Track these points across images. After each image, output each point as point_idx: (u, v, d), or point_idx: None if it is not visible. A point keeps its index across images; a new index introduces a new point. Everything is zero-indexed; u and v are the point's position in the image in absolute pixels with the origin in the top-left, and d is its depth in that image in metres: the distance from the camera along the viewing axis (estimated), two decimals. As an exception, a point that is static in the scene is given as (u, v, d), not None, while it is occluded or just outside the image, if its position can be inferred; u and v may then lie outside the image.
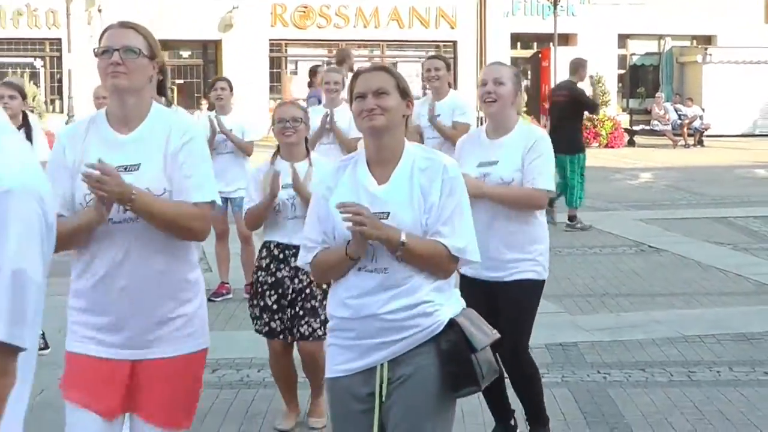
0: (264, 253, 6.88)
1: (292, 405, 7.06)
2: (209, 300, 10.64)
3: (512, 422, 6.66)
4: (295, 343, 6.88)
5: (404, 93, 4.28)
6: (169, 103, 4.50)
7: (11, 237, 2.52)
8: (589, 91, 16.35)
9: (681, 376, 8.13)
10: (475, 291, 5.89)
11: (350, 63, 14.25)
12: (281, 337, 6.82)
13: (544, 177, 6.12)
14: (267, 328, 6.82)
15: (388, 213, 4.17)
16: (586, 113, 16.51)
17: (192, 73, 38.73)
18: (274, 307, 6.78)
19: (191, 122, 4.48)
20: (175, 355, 4.32)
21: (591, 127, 33.38)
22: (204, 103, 32.57)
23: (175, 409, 4.37)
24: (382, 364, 4.21)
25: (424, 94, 10.13)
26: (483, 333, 4.27)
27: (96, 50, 4.33)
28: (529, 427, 6.53)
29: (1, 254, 2.51)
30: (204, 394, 7.49)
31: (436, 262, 4.19)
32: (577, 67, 16.05)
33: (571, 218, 15.80)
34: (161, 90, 4.47)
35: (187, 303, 4.37)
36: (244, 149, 10.99)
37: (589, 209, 17.21)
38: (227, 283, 10.97)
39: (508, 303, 6.18)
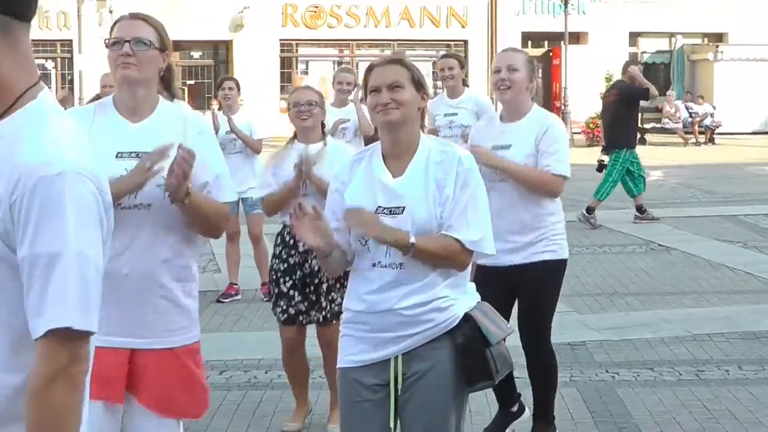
0: (278, 240, 6.90)
1: (302, 401, 7.04)
2: (218, 301, 10.73)
3: (515, 408, 6.67)
4: (313, 333, 6.89)
5: (419, 85, 4.27)
6: (172, 97, 4.50)
7: (70, 220, 2.49)
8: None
9: (690, 375, 8.12)
10: (493, 279, 5.92)
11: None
12: (301, 321, 6.81)
13: (561, 163, 6.14)
14: (285, 315, 6.82)
15: (404, 207, 4.17)
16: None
17: (203, 74, 38.78)
18: (291, 293, 6.78)
19: (201, 118, 4.55)
20: (173, 346, 4.34)
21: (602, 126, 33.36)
22: (215, 104, 32.67)
23: (173, 399, 4.36)
24: (396, 357, 4.23)
25: (436, 93, 10.13)
26: (498, 327, 4.29)
27: (107, 41, 4.35)
28: (533, 424, 6.53)
29: (63, 238, 2.48)
30: (212, 395, 7.52)
31: (449, 258, 4.19)
32: (626, 66, 16.28)
33: (589, 210, 16.00)
34: (166, 85, 4.48)
35: (188, 294, 4.39)
36: (252, 147, 11.00)
37: (600, 207, 17.16)
38: (236, 284, 10.98)
39: (527, 286, 6.20)
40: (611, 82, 16.93)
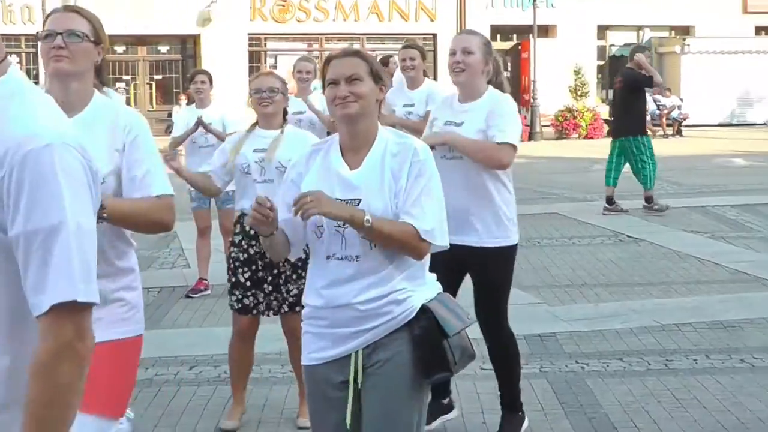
0: (238, 229, 6.87)
1: (239, 398, 7.02)
2: (187, 296, 10.71)
3: (445, 400, 6.70)
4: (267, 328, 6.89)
5: (377, 77, 4.25)
6: (101, 85, 4.42)
7: (64, 191, 2.45)
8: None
9: (658, 365, 8.17)
10: (446, 260, 5.93)
11: (391, 70, 14.36)
12: (254, 313, 6.81)
13: (507, 132, 6.13)
14: (240, 305, 6.80)
15: (360, 199, 4.15)
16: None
17: (170, 69, 38.66)
18: (248, 284, 6.77)
19: (134, 115, 4.43)
20: (110, 339, 4.14)
21: (571, 119, 33.47)
22: (183, 99, 32.56)
23: (106, 396, 4.17)
24: (356, 352, 4.22)
25: (391, 85, 10.10)
26: (457, 318, 4.26)
27: (39, 34, 4.28)
28: (502, 413, 6.55)
29: (58, 211, 2.44)
30: (181, 390, 7.56)
31: (405, 242, 4.15)
32: (633, 53, 16.41)
33: (648, 199, 16.23)
34: (98, 75, 4.42)
35: (127, 287, 4.29)
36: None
37: (568, 200, 17.28)
38: (206, 280, 10.95)
39: (480, 271, 6.22)
40: (619, 71, 16.98)
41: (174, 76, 38.28)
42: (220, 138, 10.90)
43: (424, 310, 4.21)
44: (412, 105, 10.17)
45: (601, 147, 29.56)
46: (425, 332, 4.18)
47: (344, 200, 4.16)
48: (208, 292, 10.85)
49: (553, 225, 15.10)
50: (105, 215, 4.04)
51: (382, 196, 4.15)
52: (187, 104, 11.27)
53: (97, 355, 4.06)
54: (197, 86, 11.12)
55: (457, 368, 4.27)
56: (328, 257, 4.20)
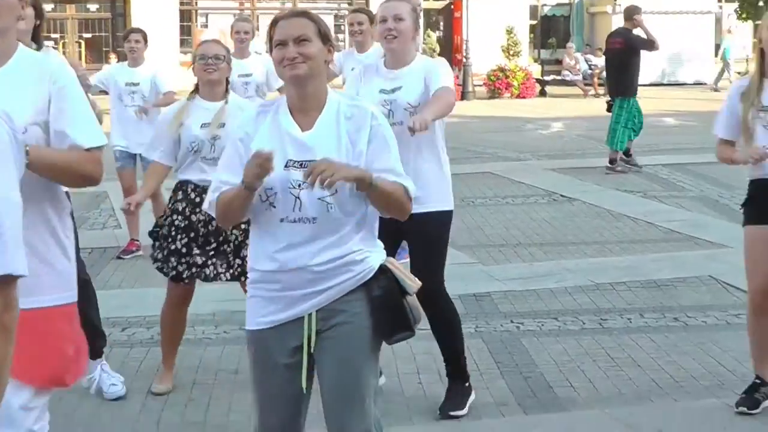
0: (180, 196, 6.75)
1: (170, 362, 6.95)
2: (118, 257, 10.59)
3: None
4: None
5: (325, 38, 4.18)
6: (39, 48, 4.30)
7: None
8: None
9: (593, 324, 8.20)
10: (382, 227, 5.87)
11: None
12: (187, 281, 6.75)
13: (447, 78, 6.13)
14: (174, 272, 6.72)
15: (314, 160, 4.04)
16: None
17: (100, 27, 38.17)
18: (183, 250, 6.69)
19: (61, 65, 4.28)
20: (39, 306, 3.98)
21: (503, 78, 33.49)
22: (113, 57, 32.18)
23: (37, 365, 3.99)
24: (310, 314, 4.15)
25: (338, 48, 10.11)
26: (410, 279, 4.24)
27: None
28: (448, 383, 6.50)
29: None
30: (113, 352, 7.46)
31: (401, 201, 4.17)
32: (631, 13, 16.46)
33: (612, 161, 16.34)
34: (35, 36, 4.30)
35: (61, 253, 4.15)
36: (164, 103, 10.83)
37: (501, 159, 17.29)
38: (137, 240, 10.82)
39: (418, 237, 6.17)
40: (615, 29, 17.01)
41: (104, 34, 37.80)
42: (159, 101, 10.78)
43: (383, 270, 4.17)
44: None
45: (533, 106, 29.75)
46: (386, 292, 4.14)
47: (298, 161, 4.08)
48: (140, 253, 10.71)
49: (487, 184, 15.10)
50: (27, 162, 3.90)
51: (338, 159, 4.06)
52: (118, 62, 11.04)
53: (27, 323, 3.96)
54: (131, 45, 10.96)
55: (415, 327, 4.23)
56: (282, 220, 4.11)
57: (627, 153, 16.40)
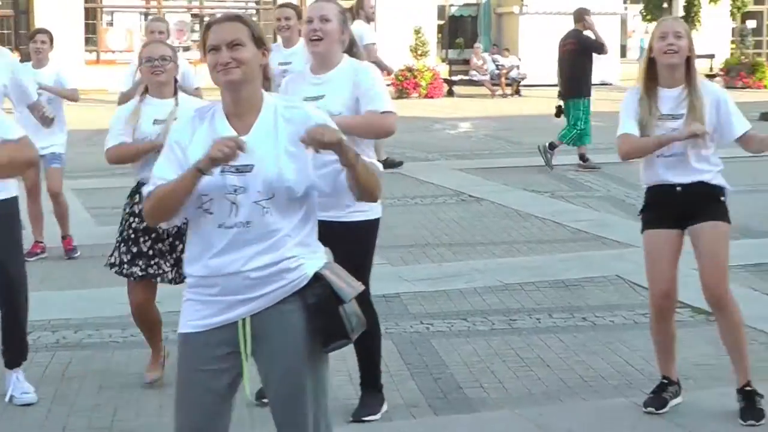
0: (138, 198, 6.68)
1: (156, 350, 6.96)
2: (23, 260, 10.40)
3: None
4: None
5: (260, 42, 4.17)
6: None
7: None
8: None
9: (502, 324, 8.23)
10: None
11: (367, 12, 15.96)
12: (159, 280, 6.75)
13: (384, 101, 6.10)
14: (144, 273, 6.69)
15: (252, 165, 4.05)
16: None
17: (2, 25, 37.54)
18: (150, 252, 6.70)
19: None
20: None
21: (411, 78, 33.56)
22: (15, 56, 31.64)
23: None
24: (243, 320, 4.11)
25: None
26: (348, 285, 4.21)
27: None
28: (361, 392, 6.47)
29: None
30: (18, 357, 7.30)
31: (376, 188, 4.36)
32: (581, 15, 16.64)
33: (583, 157, 16.50)
34: None
35: None
36: (69, 98, 10.69)
37: (409, 159, 17.27)
38: (41, 242, 10.66)
39: (347, 245, 6.12)
40: (567, 32, 17.07)
41: (6, 32, 37.16)
42: (62, 95, 10.64)
43: (318, 277, 4.14)
44: (288, 63, 10.08)
45: (441, 107, 29.84)
46: (321, 300, 4.11)
47: (235, 166, 4.04)
48: (45, 255, 10.56)
49: (395, 185, 15.07)
50: None
51: (276, 162, 4.06)
52: (21, 62, 10.82)
53: None
54: (37, 46, 10.79)
55: (354, 335, 4.19)
56: (219, 226, 4.09)
57: (552, 145, 16.54)
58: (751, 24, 43.65)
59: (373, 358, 6.44)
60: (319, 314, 4.10)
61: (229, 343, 4.14)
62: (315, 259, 4.21)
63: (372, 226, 6.25)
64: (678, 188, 6.20)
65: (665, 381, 6.43)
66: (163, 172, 4.15)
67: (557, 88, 17.39)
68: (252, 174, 4.05)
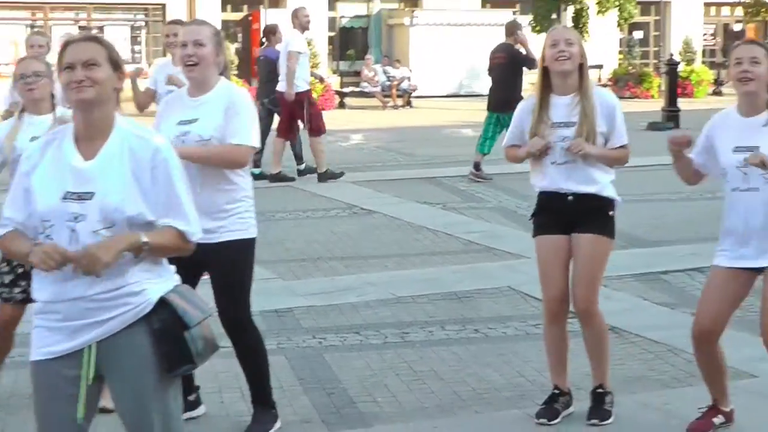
0: None
1: None
2: None
3: (192, 397, 6.48)
4: None
5: (116, 65, 4.14)
6: None
7: None
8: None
9: (395, 338, 8.22)
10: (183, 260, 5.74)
11: (301, 21, 16.65)
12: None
13: (244, 133, 6.01)
14: (25, 295, 6.43)
15: (93, 193, 4.01)
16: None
17: None
18: (31, 272, 6.51)
19: None
20: None
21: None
22: None
23: None
24: (89, 346, 4.09)
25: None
26: (197, 308, 4.18)
27: None
28: (253, 409, 6.39)
29: None
30: None
31: (177, 249, 4.17)
32: (513, 29, 16.54)
33: (477, 165, 16.47)
34: None
35: None
36: None
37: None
38: None
39: (219, 266, 6.06)
40: (497, 45, 17.03)
41: None
42: None
43: (163, 302, 4.11)
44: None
45: (333, 118, 29.70)
46: (165, 325, 4.09)
47: (76, 193, 4.01)
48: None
49: (287, 198, 15.03)
50: None
51: (119, 190, 4.03)
52: None
53: None
54: None
55: (200, 360, 4.18)
56: None
57: (477, 166, 16.55)
58: (638, 35, 44.38)
59: (260, 375, 6.37)
60: (164, 339, 4.09)
61: (78, 368, 4.12)
62: (160, 283, 4.19)
63: (247, 245, 6.17)
64: (569, 197, 6.26)
65: (556, 392, 6.47)
66: (12, 211, 4.16)
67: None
68: (92, 202, 4.03)
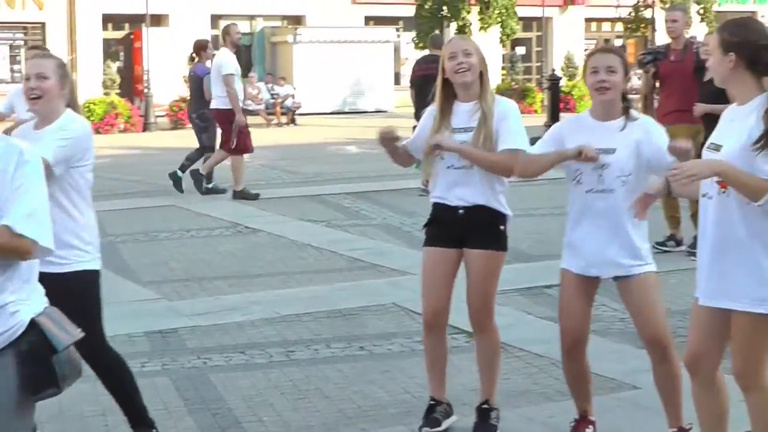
0: None
1: None
2: None
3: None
4: None
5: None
6: None
7: None
8: None
9: (280, 357, 8.19)
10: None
11: (233, 38, 16.68)
12: None
13: (50, 151, 5.77)
14: None
15: None
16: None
17: None
18: None
19: None
20: None
21: (185, 108, 33.26)
22: None
23: None
24: None
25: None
26: (65, 332, 4.12)
27: None
28: None
29: None
30: None
31: (14, 252, 3.99)
32: (438, 43, 16.06)
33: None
34: None
35: None
36: None
37: (188, 192, 17.05)
38: None
39: (66, 297, 5.90)
40: (423, 56, 16.89)
41: None
42: None
43: (33, 324, 4.03)
44: None
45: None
46: (33, 348, 4.01)
47: None
48: None
49: (170, 217, 14.90)
50: None
51: None
52: None
53: None
54: None
55: (65, 384, 4.11)
56: None
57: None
58: (520, 50, 45.02)
59: (128, 397, 6.25)
60: (30, 361, 4.02)
61: None
62: (32, 303, 4.12)
63: (92, 276, 6.02)
64: (460, 211, 6.32)
65: (433, 402, 6.52)
66: None
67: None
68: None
